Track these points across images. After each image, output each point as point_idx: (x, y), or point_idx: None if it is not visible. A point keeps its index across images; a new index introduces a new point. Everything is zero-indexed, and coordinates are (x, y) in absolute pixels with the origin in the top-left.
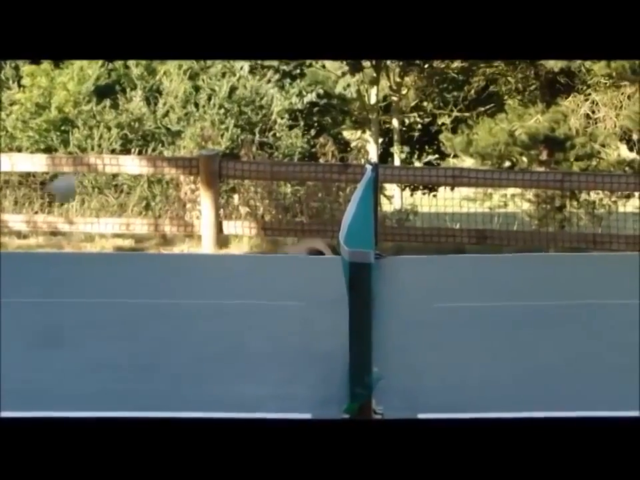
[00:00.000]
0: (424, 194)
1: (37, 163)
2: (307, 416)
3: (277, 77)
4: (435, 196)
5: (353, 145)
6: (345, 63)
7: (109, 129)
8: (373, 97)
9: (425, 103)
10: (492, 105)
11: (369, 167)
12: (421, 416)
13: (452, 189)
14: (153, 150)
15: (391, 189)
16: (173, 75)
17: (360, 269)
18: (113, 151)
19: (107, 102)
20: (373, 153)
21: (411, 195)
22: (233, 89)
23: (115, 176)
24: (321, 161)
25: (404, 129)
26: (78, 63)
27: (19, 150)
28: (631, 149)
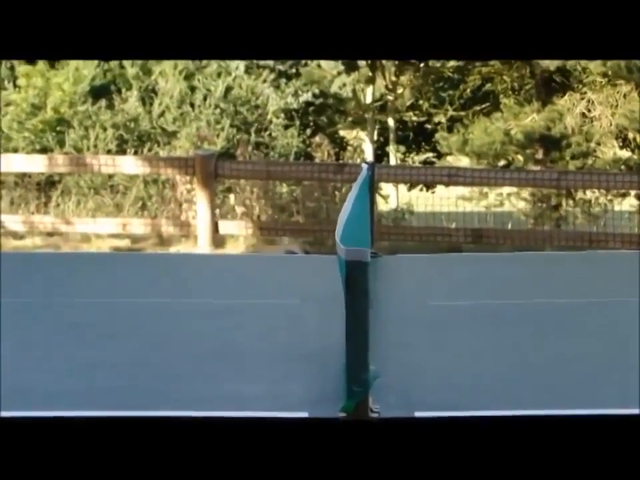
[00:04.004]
0: (420, 190)
1: (33, 164)
2: (304, 414)
3: (272, 76)
4: (433, 193)
5: (348, 144)
6: (340, 62)
7: (105, 129)
8: (368, 96)
9: (421, 102)
10: (487, 103)
11: (365, 165)
12: (418, 414)
13: (447, 188)
14: (149, 150)
15: (387, 188)
16: (168, 75)
17: (356, 267)
18: (108, 151)
19: (103, 102)
20: (369, 152)
21: (409, 190)
22: (228, 89)
23: (110, 176)
24: (317, 160)
25: (400, 127)
26: (73, 64)
27: (15, 150)
28: (625, 147)
